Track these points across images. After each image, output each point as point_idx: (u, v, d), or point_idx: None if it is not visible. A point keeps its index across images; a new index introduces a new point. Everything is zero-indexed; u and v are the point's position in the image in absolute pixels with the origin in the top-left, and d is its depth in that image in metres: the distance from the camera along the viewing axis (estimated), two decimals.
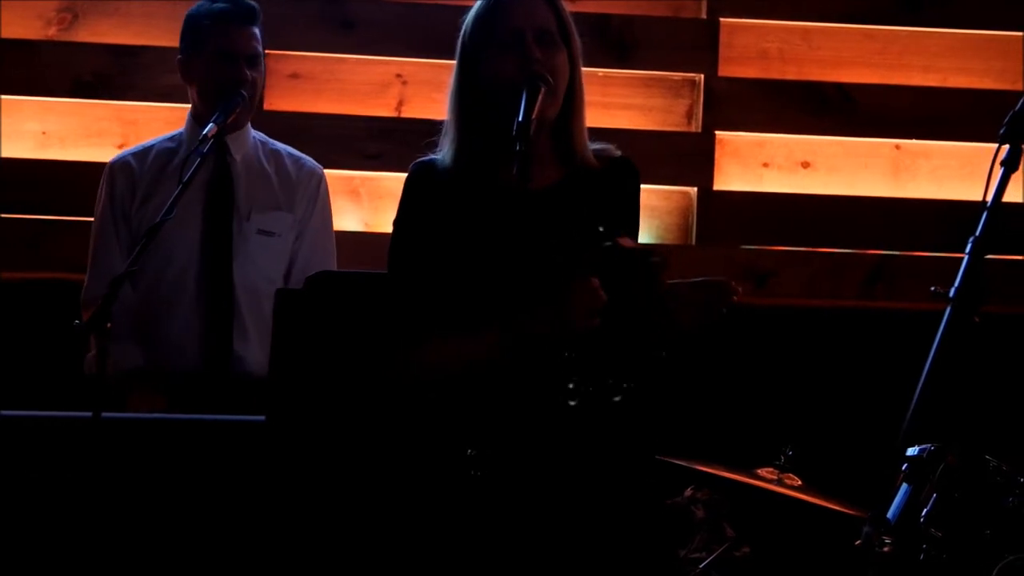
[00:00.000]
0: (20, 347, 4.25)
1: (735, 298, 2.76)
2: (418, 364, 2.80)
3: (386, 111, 4.66)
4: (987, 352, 4.06)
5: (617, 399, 2.77)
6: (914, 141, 4.82)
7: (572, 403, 2.75)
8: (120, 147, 4.39)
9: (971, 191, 4.61)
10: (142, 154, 3.97)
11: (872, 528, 2.43)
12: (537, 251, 2.77)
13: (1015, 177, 2.50)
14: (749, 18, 4.78)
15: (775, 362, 4.55)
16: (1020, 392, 4.36)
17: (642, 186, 2.94)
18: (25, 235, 4.49)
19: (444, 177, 2.85)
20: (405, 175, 2.90)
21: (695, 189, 4.73)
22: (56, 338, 3.85)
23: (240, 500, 3.14)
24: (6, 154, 4.50)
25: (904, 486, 2.50)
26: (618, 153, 2.94)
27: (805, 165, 4.82)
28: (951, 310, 2.42)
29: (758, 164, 4.80)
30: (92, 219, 3.97)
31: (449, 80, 2.90)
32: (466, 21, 2.88)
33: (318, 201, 4.01)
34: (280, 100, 4.61)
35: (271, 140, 4.05)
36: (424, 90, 4.63)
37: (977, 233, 2.46)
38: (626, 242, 2.74)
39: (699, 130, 4.74)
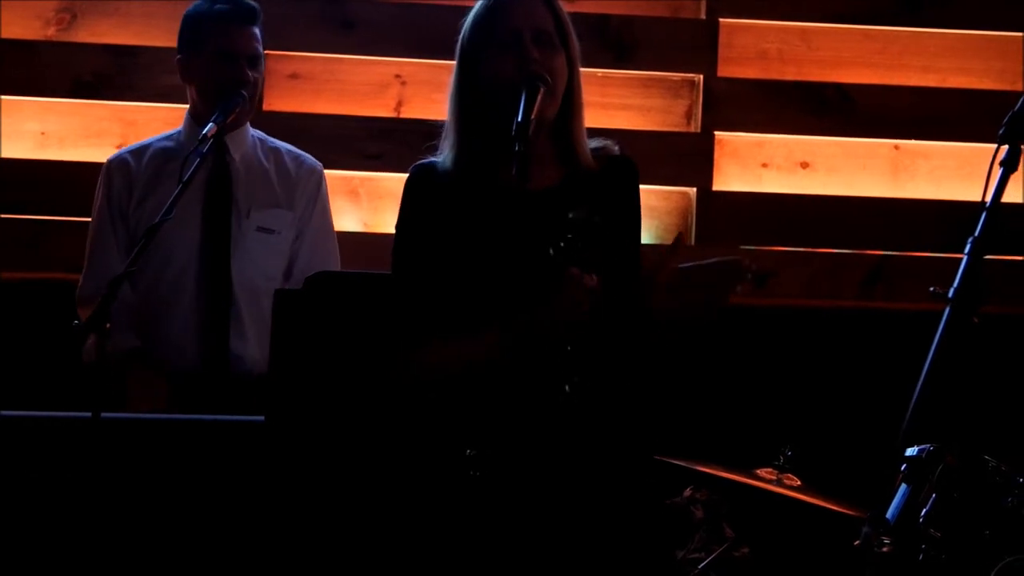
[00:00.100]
0: (20, 347, 4.25)
1: (750, 276, 2.75)
2: (418, 364, 2.80)
3: (385, 111, 4.66)
4: (986, 352, 4.06)
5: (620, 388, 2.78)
6: (913, 141, 4.82)
7: (572, 394, 2.75)
8: (119, 147, 4.39)
9: (970, 191, 4.61)
10: (139, 152, 3.97)
11: (871, 528, 2.43)
12: (536, 252, 2.77)
13: (1014, 177, 2.50)
14: (748, 18, 4.79)
15: (774, 362, 4.55)
16: (1019, 392, 4.36)
17: (641, 187, 2.94)
18: (24, 235, 4.49)
19: (444, 179, 2.85)
20: (404, 175, 2.91)
21: (694, 189, 4.73)
22: (55, 338, 3.85)
23: (239, 500, 3.14)
24: (5, 154, 4.50)
25: (903, 486, 2.49)
26: (617, 150, 2.94)
27: (804, 165, 4.82)
28: (950, 310, 2.42)
29: (757, 164, 4.80)
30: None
31: (448, 81, 2.90)
32: (465, 22, 2.89)
33: (319, 200, 4.01)
34: (280, 100, 4.61)
35: (269, 138, 4.05)
36: (423, 90, 4.63)
37: (976, 233, 2.46)
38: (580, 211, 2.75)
39: (698, 130, 4.74)
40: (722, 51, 4.75)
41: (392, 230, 2.90)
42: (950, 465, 2.57)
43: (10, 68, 4.51)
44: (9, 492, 3.15)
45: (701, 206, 4.72)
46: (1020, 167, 2.50)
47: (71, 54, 4.56)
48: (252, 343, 3.86)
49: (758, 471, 3.46)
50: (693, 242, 4.70)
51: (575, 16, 2.93)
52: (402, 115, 4.66)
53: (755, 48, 4.79)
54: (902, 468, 2.51)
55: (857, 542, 2.45)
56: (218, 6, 3.88)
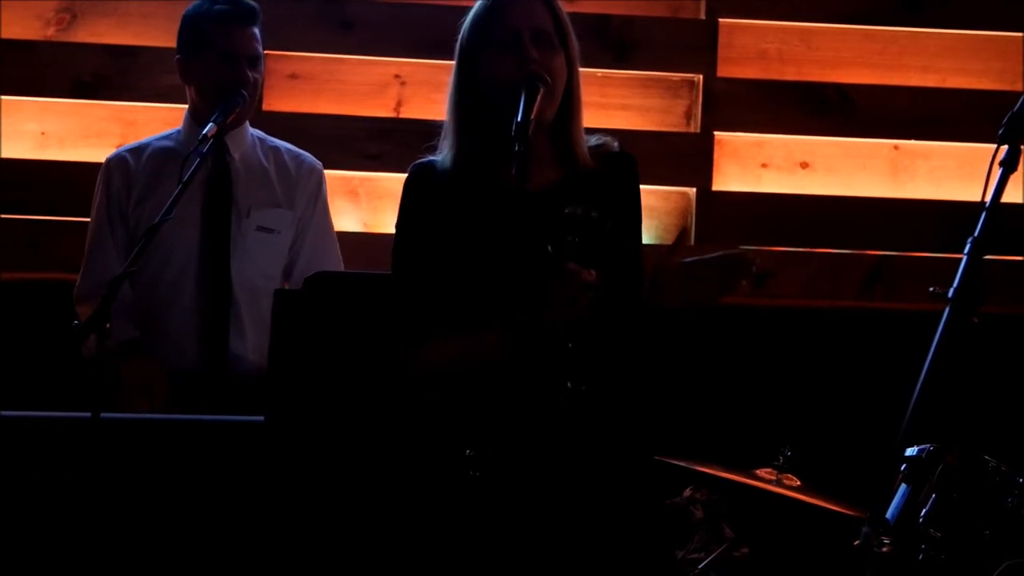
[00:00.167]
0: (19, 347, 4.25)
1: (754, 269, 2.76)
2: (418, 364, 2.80)
3: (385, 111, 4.66)
4: (986, 353, 4.06)
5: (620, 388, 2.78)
6: (913, 141, 4.82)
7: (573, 393, 2.75)
8: (118, 147, 4.39)
9: (970, 191, 4.61)
10: (138, 151, 3.97)
11: (871, 528, 2.43)
12: (536, 251, 2.77)
13: (1014, 177, 2.50)
14: (748, 18, 4.79)
15: (774, 363, 4.55)
16: (1019, 392, 4.36)
17: (641, 187, 2.94)
18: (24, 235, 4.49)
19: (443, 178, 2.85)
20: (404, 176, 2.91)
21: (694, 190, 4.73)
22: (55, 338, 3.86)
23: (239, 500, 3.14)
24: (5, 154, 4.50)
25: (903, 486, 2.49)
26: (616, 147, 2.94)
27: (804, 166, 4.82)
28: (950, 310, 2.42)
29: (757, 165, 4.80)
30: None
31: (448, 81, 2.90)
32: (464, 22, 2.89)
33: (319, 199, 4.01)
34: (279, 100, 4.61)
35: (269, 137, 4.05)
36: (423, 91, 4.63)
37: (976, 233, 2.46)
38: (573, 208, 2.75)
39: (698, 130, 4.74)
40: (722, 51, 4.75)
41: (392, 230, 2.90)
42: (950, 465, 2.57)
43: (10, 68, 4.51)
44: (9, 492, 3.15)
45: (701, 206, 4.72)
46: (1020, 167, 2.50)
47: (71, 54, 4.56)
48: (251, 343, 3.86)
49: (758, 471, 3.46)
50: (692, 242, 4.70)
51: (575, 16, 2.93)
52: (402, 115, 4.66)
53: (755, 48, 4.79)
54: (902, 468, 2.51)
55: (857, 542, 2.45)
56: (218, 6, 3.88)
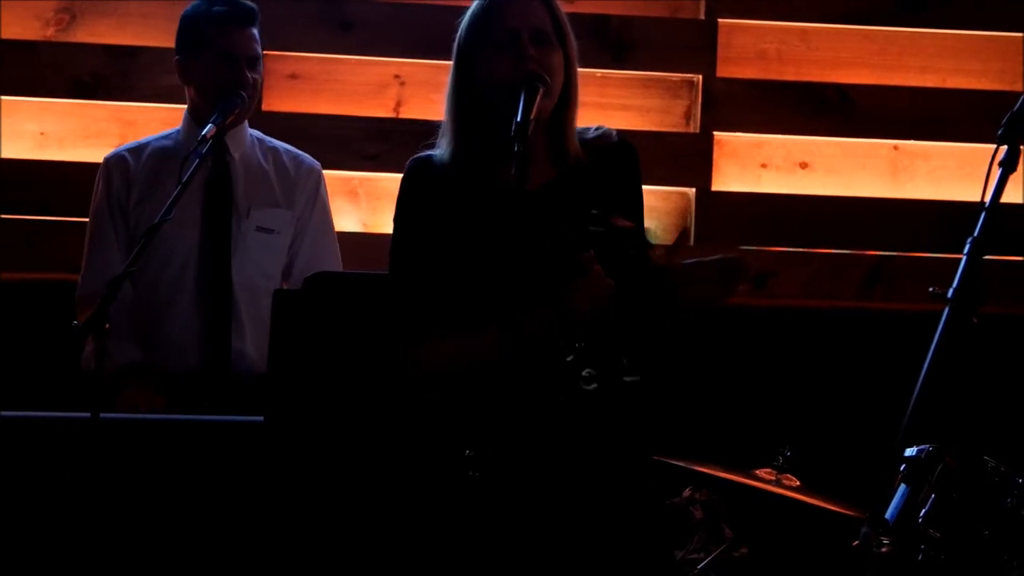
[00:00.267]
0: (18, 348, 4.25)
1: (752, 273, 2.76)
2: (416, 364, 2.80)
3: (384, 112, 4.66)
4: (985, 353, 4.06)
5: (630, 380, 2.78)
6: (912, 142, 4.82)
7: (589, 388, 2.75)
8: (117, 147, 4.39)
9: (969, 192, 4.61)
10: (138, 151, 3.97)
11: (870, 529, 2.43)
12: (535, 251, 2.77)
13: (1013, 178, 2.50)
14: (747, 19, 4.78)
15: (774, 363, 4.54)
16: (1018, 393, 4.36)
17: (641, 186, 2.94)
18: (23, 235, 4.49)
19: (441, 173, 2.85)
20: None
21: (693, 190, 4.73)
22: (54, 338, 3.85)
23: (239, 500, 3.14)
24: (5, 155, 4.50)
25: (902, 487, 2.50)
26: (615, 136, 2.93)
27: (803, 166, 4.82)
28: (949, 311, 2.42)
29: (756, 165, 4.80)
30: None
31: (447, 81, 2.90)
32: (462, 22, 2.89)
33: (318, 199, 4.01)
34: (278, 101, 4.61)
35: (268, 138, 4.05)
36: (422, 91, 4.63)
37: (975, 234, 2.46)
38: (620, 222, 2.75)
39: (697, 131, 4.74)
40: (721, 51, 4.75)
41: (391, 230, 2.90)
42: (949, 465, 2.57)
43: (9, 68, 4.51)
44: (8, 492, 3.15)
45: (700, 206, 4.72)
46: (1019, 167, 2.50)
47: (70, 54, 4.56)
48: (251, 343, 3.85)
49: (757, 471, 3.46)
50: (692, 243, 4.70)
51: (573, 16, 2.93)
52: (401, 115, 4.66)
53: (754, 48, 4.79)
54: (901, 468, 2.51)
55: (856, 542, 2.45)
56: (217, 7, 3.88)
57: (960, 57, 4.83)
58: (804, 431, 4.01)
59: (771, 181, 4.80)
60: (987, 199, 2.47)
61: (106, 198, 3.92)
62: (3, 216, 4.47)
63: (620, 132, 2.96)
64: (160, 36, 4.47)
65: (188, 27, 3.92)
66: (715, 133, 4.75)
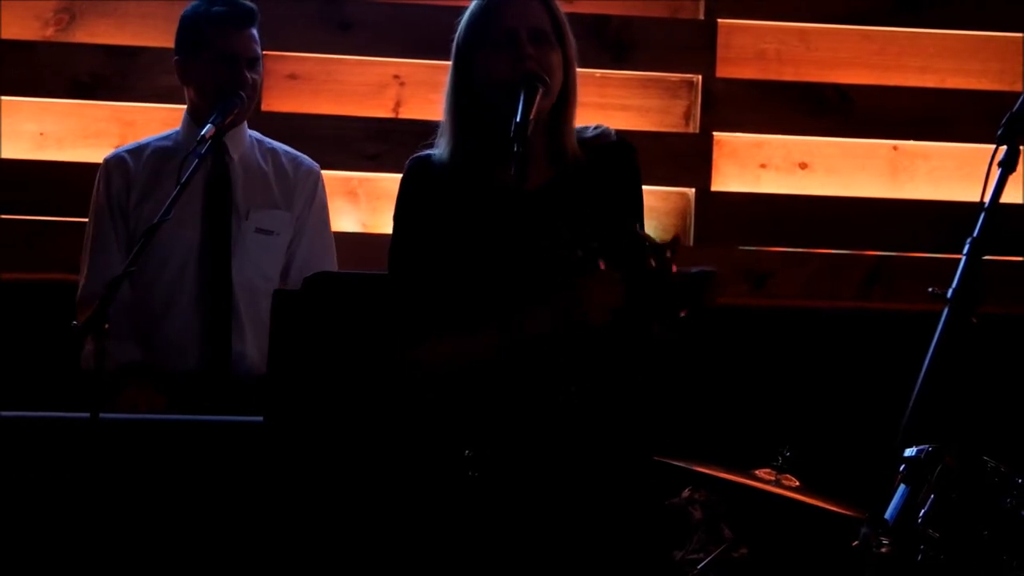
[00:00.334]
0: (18, 348, 4.25)
1: (723, 289, 2.76)
2: (415, 364, 2.80)
3: (384, 112, 4.66)
4: (985, 353, 4.06)
5: (620, 389, 2.78)
6: (912, 142, 4.82)
7: (576, 395, 2.74)
8: (116, 147, 4.39)
9: (969, 192, 4.61)
10: (138, 151, 3.97)
11: (870, 529, 2.43)
12: (534, 251, 2.77)
13: (1013, 178, 2.50)
14: (747, 19, 4.78)
15: (773, 363, 4.54)
16: (1018, 393, 4.36)
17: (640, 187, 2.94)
18: (23, 236, 4.49)
19: (441, 173, 2.85)
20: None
21: (693, 190, 4.73)
22: (54, 339, 3.85)
23: (239, 501, 3.14)
24: (4, 155, 4.50)
25: (902, 487, 2.50)
26: (614, 135, 2.93)
27: (803, 166, 4.82)
28: (949, 311, 2.42)
29: (756, 165, 4.80)
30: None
31: (446, 81, 2.90)
32: (461, 22, 2.89)
33: (316, 200, 4.01)
34: (278, 101, 4.61)
35: (266, 139, 4.05)
36: (421, 91, 4.63)
37: (975, 234, 2.46)
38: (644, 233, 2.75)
39: (697, 131, 4.74)
40: (720, 51, 4.75)
41: (391, 230, 2.90)
42: (949, 466, 2.57)
43: (9, 68, 4.51)
44: (8, 492, 3.15)
45: (700, 207, 4.72)
46: (1018, 167, 2.50)
47: (69, 55, 4.56)
48: (251, 344, 3.85)
49: (757, 472, 3.46)
50: (691, 243, 4.70)
51: (573, 16, 2.93)
52: (400, 116, 4.66)
53: (753, 48, 4.79)
54: (901, 468, 2.51)
55: (856, 542, 2.45)
56: (216, 8, 3.88)
57: (959, 57, 4.83)
58: (804, 431, 4.01)
59: (770, 181, 4.80)
60: (987, 199, 2.47)
61: (106, 199, 3.92)
62: (3, 216, 4.47)
63: (619, 131, 2.96)
64: (159, 36, 4.47)
65: (187, 27, 3.92)
66: (714, 133, 4.75)
